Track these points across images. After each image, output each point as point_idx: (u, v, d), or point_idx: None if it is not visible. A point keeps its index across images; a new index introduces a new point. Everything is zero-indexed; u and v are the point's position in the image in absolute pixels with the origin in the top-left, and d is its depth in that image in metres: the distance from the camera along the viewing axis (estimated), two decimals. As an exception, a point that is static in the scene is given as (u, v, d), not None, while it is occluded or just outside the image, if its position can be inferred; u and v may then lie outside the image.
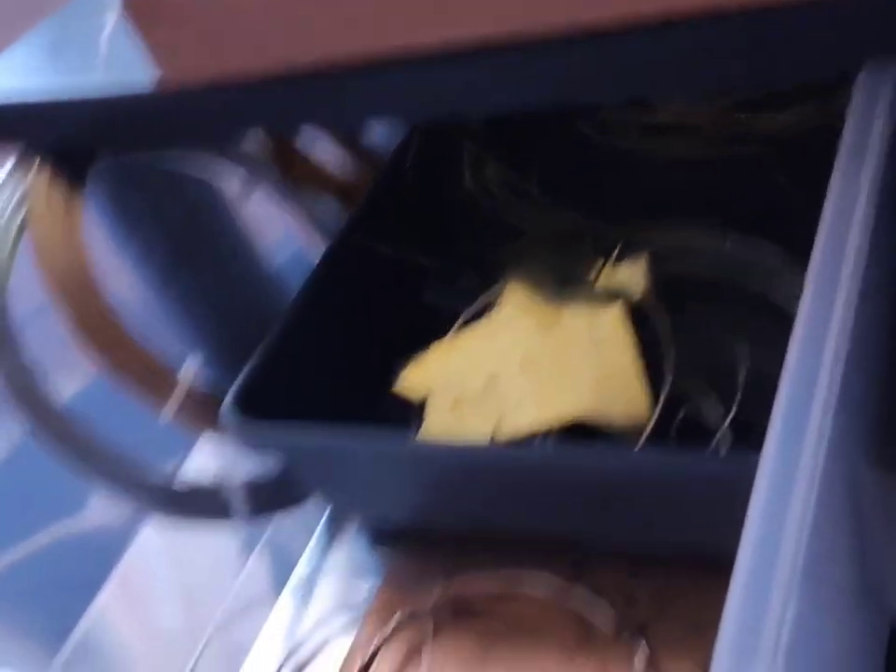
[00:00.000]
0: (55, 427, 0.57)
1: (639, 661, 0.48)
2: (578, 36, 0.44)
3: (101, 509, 0.76)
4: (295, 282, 0.66)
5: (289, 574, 0.62)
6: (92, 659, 0.67)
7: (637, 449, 0.50)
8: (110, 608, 0.68)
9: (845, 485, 0.42)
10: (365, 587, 0.59)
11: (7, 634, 0.70)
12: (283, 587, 0.61)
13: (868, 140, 0.42)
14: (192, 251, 0.77)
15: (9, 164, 0.63)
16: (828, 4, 0.43)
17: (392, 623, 0.54)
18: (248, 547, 0.65)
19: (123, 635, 0.69)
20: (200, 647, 0.59)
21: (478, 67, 0.48)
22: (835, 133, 0.41)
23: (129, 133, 0.60)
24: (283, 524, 0.64)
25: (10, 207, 0.62)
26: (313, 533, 0.64)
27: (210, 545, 0.65)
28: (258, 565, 0.64)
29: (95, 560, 0.72)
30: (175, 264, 0.77)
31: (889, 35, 0.44)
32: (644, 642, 0.48)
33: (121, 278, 0.78)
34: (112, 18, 0.58)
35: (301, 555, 0.62)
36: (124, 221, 0.75)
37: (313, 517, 0.64)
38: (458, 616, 0.54)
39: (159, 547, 0.71)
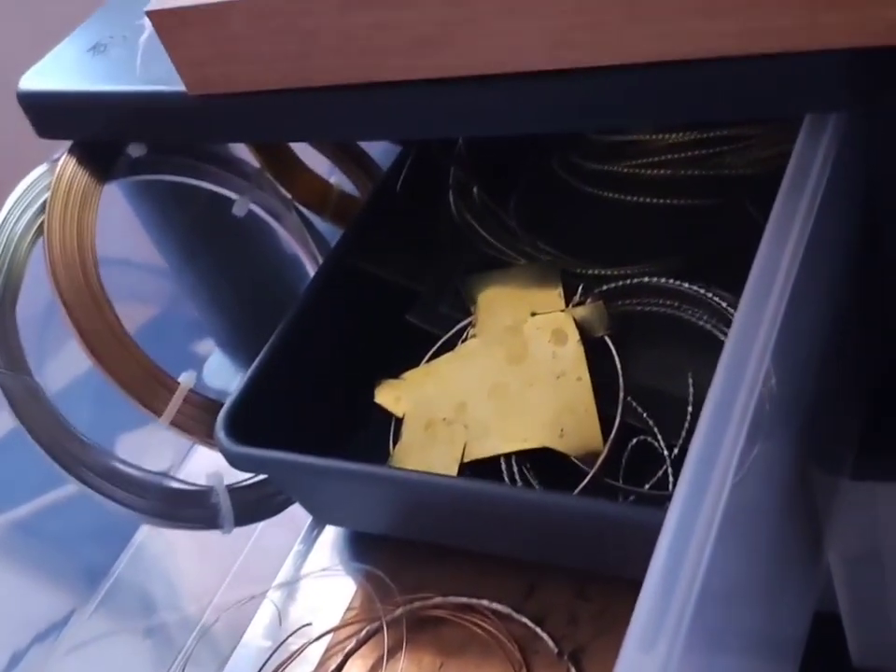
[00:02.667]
0: (50, 429, 0.62)
1: None
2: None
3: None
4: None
5: (272, 580, 0.67)
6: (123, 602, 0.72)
7: (579, 489, 0.55)
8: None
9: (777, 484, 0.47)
10: (343, 593, 0.64)
11: (42, 575, 0.74)
12: (266, 592, 0.67)
13: (805, 182, 0.47)
14: (213, 240, 0.82)
15: (43, 166, 0.68)
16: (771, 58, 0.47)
17: (362, 633, 0.59)
18: (235, 550, 0.71)
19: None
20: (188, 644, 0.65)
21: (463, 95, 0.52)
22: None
23: (155, 131, 0.66)
24: (268, 528, 0.69)
25: (35, 208, 0.66)
26: (297, 538, 0.69)
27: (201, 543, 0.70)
28: (243, 567, 0.70)
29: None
30: (195, 252, 0.82)
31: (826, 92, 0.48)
32: (572, 667, 0.53)
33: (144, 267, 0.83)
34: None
35: (284, 560, 0.68)
36: (150, 207, 0.79)
37: (297, 523, 0.70)
38: (423, 627, 0.59)
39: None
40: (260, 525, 0.69)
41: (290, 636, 0.62)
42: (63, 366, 0.70)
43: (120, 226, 0.79)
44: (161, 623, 0.73)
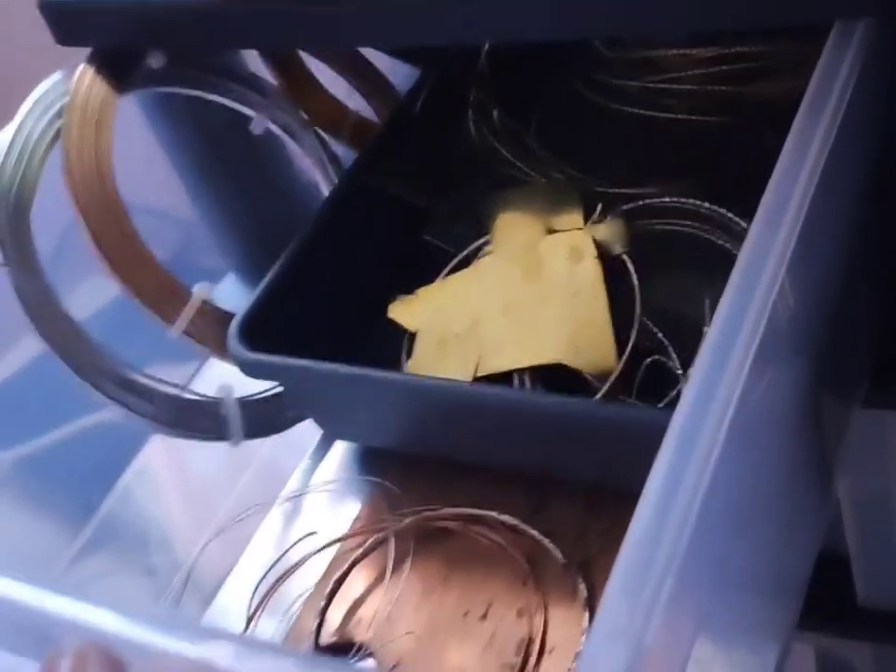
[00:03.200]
0: (63, 333, 0.62)
1: (581, 596, 0.53)
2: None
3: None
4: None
5: (280, 490, 0.67)
6: (114, 538, 0.72)
7: (596, 397, 0.55)
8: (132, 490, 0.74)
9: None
10: (350, 506, 0.64)
11: (35, 514, 0.75)
12: (273, 502, 0.67)
13: (831, 90, 0.46)
14: (230, 158, 0.81)
15: (59, 73, 0.67)
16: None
17: (369, 542, 0.59)
18: (244, 461, 0.71)
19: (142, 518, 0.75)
20: (196, 551, 0.65)
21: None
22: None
23: (175, 37, 0.65)
24: (278, 441, 0.69)
25: (51, 114, 0.66)
26: (305, 453, 0.69)
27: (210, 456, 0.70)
28: (252, 479, 0.70)
29: (119, 448, 0.76)
30: (212, 171, 0.81)
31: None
32: (580, 579, 0.53)
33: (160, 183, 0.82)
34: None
35: (292, 473, 0.68)
36: (168, 123, 0.79)
37: (307, 438, 0.69)
38: (430, 539, 0.59)
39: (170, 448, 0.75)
40: (268, 442, 0.69)
41: (295, 544, 0.62)
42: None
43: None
44: (164, 538, 0.74)
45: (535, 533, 0.56)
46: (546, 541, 0.56)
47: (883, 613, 0.77)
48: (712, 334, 0.41)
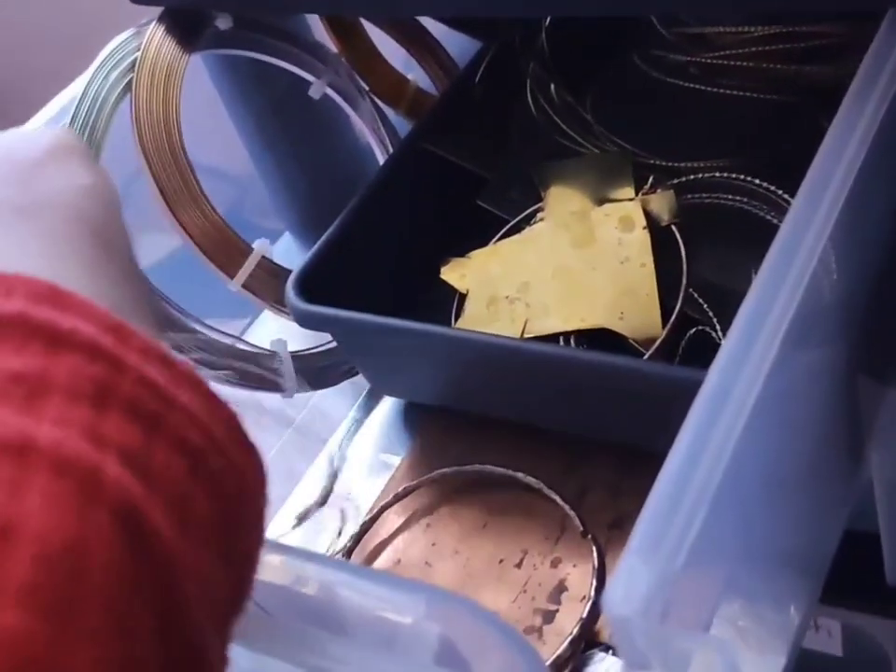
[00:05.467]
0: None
1: (593, 563, 0.54)
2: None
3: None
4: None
5: (327, 440, 0.69)
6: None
7: (643, 359, 0.56)
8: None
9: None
10: (394, 457, 0.66)
11: None
12: (320, 452, 0.69)
13: (881, 72, 0.47)
14: (290, 121, 0.83)
15: (131, 30, 0.69)
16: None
17: (400, 489, 0.61)
18: (294, 410, 0.73)
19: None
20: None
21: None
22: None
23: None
24: (327, 393, 0.71)
25: (122, 67, 0.68)
26: (353, 406, 0.71)
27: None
28: (300, 427, 0.72)
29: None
30: (273, 133, 0.83)
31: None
32: (594, 547, 0.55)
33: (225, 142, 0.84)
34: None
35: (339, 424, 0.70)
36: (232, 83, 0.81)
37: (355, 391, 0.72)
38: (469, 489, 0.61)
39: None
40: (317, 394, 0.71)
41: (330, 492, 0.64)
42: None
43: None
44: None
45: (556, 498, 0.58)
46: (566, 507, 0.57)
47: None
48: (749, 299, 0.42)
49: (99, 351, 0.26)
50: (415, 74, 0.83)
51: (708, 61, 0.63)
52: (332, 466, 0.67)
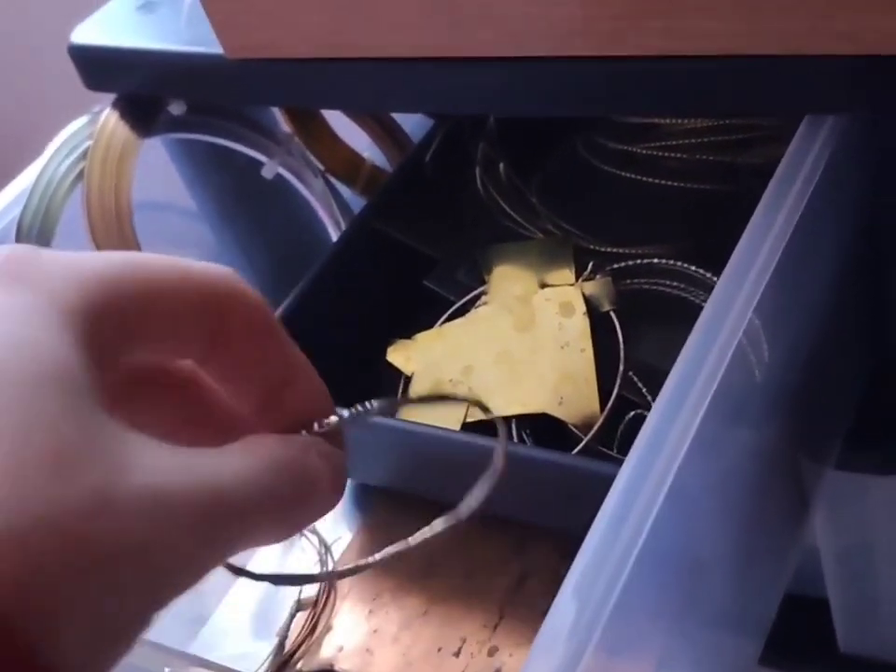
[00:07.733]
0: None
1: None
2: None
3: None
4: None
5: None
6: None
7: (575, 451, 0.57)
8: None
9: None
10: (345, 534, 0.67)
11: None
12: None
13: (804, 161, 0.49)
14: (248, 200, 0.84)
15: (85, 116, 0.71)
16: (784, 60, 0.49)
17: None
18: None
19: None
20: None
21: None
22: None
23: (194, 90, 0.69)
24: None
25: (75, 155, 0.69)
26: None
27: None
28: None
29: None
30: (231, 211, 0.85)
31: (829, 95, 0.50)
32: None
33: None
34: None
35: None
36: (189, 164, 0.82)
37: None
38: (412, 573, 0.62)
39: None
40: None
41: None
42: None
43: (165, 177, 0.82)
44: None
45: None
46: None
47: (863, 660, 0.79)
48: (672, 377, 0.43)
49: None
50: (371, 152, 0.85)
51: (648, 152, 0.64)
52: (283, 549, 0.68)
